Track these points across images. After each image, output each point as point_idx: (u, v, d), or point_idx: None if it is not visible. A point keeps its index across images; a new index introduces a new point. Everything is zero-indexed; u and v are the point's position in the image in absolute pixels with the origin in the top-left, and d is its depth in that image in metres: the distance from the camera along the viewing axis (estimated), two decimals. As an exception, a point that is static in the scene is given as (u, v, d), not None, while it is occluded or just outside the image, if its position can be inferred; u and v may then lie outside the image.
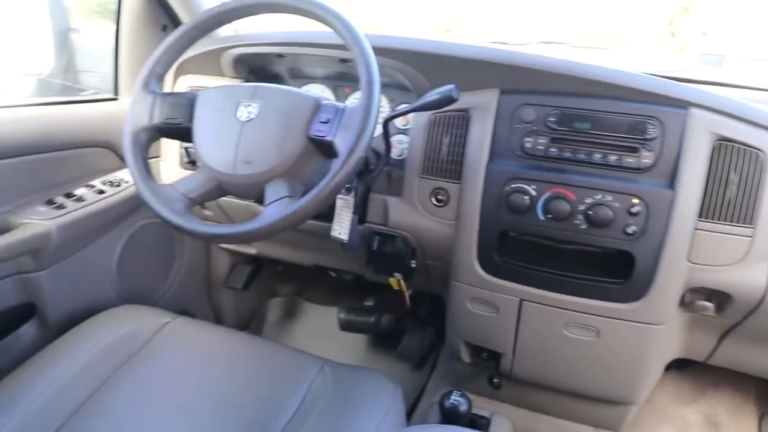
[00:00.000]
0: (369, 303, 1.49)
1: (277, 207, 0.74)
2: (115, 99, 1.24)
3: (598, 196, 0.84)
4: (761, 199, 0.80)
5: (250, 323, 1.64)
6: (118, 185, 1.14)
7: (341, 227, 0.89)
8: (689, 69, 1.33)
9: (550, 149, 0.88)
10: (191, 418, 0.77)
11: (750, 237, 0.81)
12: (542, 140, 0.88)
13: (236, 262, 1.50)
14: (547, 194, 0.87)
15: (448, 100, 0.83)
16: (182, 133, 0.84)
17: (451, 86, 0.83)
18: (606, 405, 1.08)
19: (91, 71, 1.52)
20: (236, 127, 0.79)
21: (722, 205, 0.81)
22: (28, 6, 1.28)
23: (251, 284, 1.50)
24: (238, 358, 0.89)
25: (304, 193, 0.74)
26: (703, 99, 0.84)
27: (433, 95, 0.84)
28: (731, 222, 0.81)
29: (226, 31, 1.24)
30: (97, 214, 1.06)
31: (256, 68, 1.14)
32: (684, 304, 0.91)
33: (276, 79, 1.15)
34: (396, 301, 1.24)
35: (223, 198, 1.12)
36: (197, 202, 0.82)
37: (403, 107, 0.89)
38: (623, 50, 1.56)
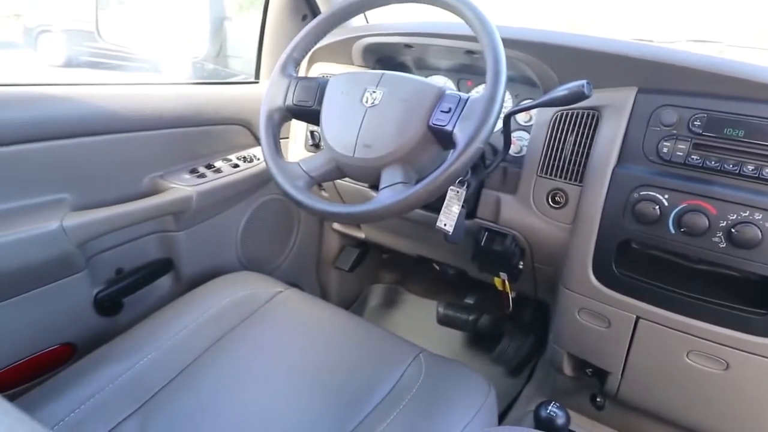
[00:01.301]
0: (469, 301, 1.47)
1: (390, 192, 0.76)
2: (256, 82, 1.35)
3: (745, 213, 0.75)
4: None
5: (352, 305, 1.70)
6: (251, 161, 1.24)
7: (448, 219, 0.88)
8: None
9: (691, 156, 0.80)
10: (288, 384, 0.82)
11: None
12: (682, 146, 0.80)
13: (345, 245, 1.57)
14: (681, 205, 0.79)
15: (579, 96, 0.79)
16: (311, 115, 0.89)
17: (582, 81, 0.78)
18: (729, 448, 0.96)
19: (237, 56, 1.67)
20: (360, 111, 0.82)
21: None
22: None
23: (357, 267, 1.56)
24: (340, 335, 0.93)
25: (418, 181, 0.75)
26: None
27: (561, 90, 0.80)
28: None
29: (357, 21, 1.29)
30: (230, 185, 1.17)
31: (384, 58, 1.17)
32: (844, 349, 0.78)
33: (402, 68, 1.17)
34: (497, 303, 1.21)
35: (340, 181, 1.19)
36: (318, 181, 0.87)
37: (527, 102, 0.86)
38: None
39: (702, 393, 0.87)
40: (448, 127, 0.75)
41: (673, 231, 0.80)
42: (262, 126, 0.90)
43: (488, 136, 0.72)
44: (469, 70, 1.11)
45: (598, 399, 1.02)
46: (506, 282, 1.09)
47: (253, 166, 1.23)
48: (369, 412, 0.77)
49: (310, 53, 1.22)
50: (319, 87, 0.89)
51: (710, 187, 0.77)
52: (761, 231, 0.74)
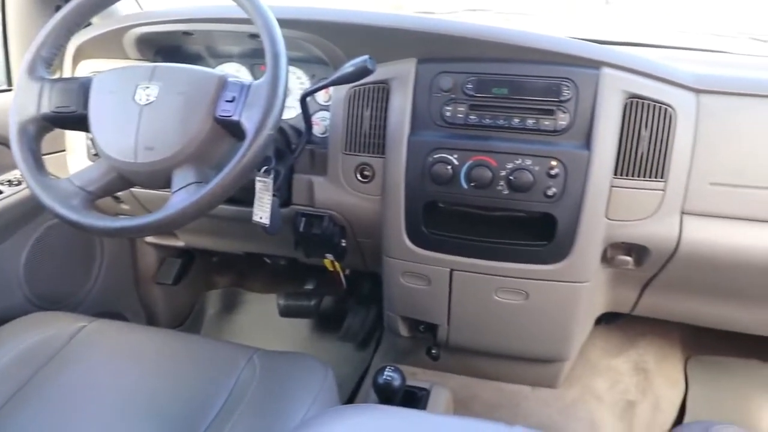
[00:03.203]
0: (309, 287, 1.47)
1: (183, 194, 0.70)
2: (9, 90, 1.13)
3: (518, 161, 0.85)
4: (671, 153, 0.83)
5: (186, 319, 1.57)
6: (18, 184, 1.04)
7: (262, 211, 0.85)
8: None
9: (470, 117, 0.87)
10: (110, 426, 0.73)
11: (662, 190, 0.84)
12: (461, 108, 0.87)
13: (165, 257, 1.43)
14: (468, 162, 0.86)
15: (363, 71, 0.81)
16: (77, 121, 0.78)
17: (365, 57, 0.80)
18: (541, 363, 1.11)
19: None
20: (135, 111, 0.74)
21: (635, 161, 0.84)
22: None
23: (183, 278, 1.44)
24: (162, 357, 0.85)
25: None
26: (613, 58, 0.85)
27: (347, 68, 0.81)
28: (644, 177, 0.84)
29: (128, 8, 1.15)
30: None
31: (165, 48, 1.07)
32: (606, 259, 0.94)
33: (193, 59, 1.08)
34: (335, 283, 1.22)
35: (138, 189, 1.07)
36: (98, 196, 0.77)
37: (321, 83, 0.86)
38: (547, 16, 1.57)
39: (511, 323, 1.00)
40: (235, 117, 0.72)
41: (465, 186, 0.87)
42: (14, 142, 0.76)
43: (277, 122, 0.70)
44: (260, 55, 1.06)
45: (433, 351, 1.11)
46: (334, 262, 1.10)
47: (23, 189, 1.03)
48: (205, 430, 0.72)
49: (73, 49, 1.07)
50: (82, 88, 0.78)
51: (488, 143, 0.86)
52: (533, 175, 0.84)
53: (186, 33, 1.00)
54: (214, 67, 1.07)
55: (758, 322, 1.05)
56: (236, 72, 1.07)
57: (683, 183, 0.84)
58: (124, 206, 1.17)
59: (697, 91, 0.83)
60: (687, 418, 1.23)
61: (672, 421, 1.24)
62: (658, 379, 1.27)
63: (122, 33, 1.02)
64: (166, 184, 0.74)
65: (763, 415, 1.24)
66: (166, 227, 0.70)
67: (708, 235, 0.86)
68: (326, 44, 0.93)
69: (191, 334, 0.93)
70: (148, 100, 0.74)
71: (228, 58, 1.08)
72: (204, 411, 0.75)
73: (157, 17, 1.00)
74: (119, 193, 1.06)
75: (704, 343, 1.32)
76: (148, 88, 0.75)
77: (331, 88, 0.95)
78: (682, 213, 0.85)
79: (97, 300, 1.27)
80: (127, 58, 1.06)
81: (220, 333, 1.53)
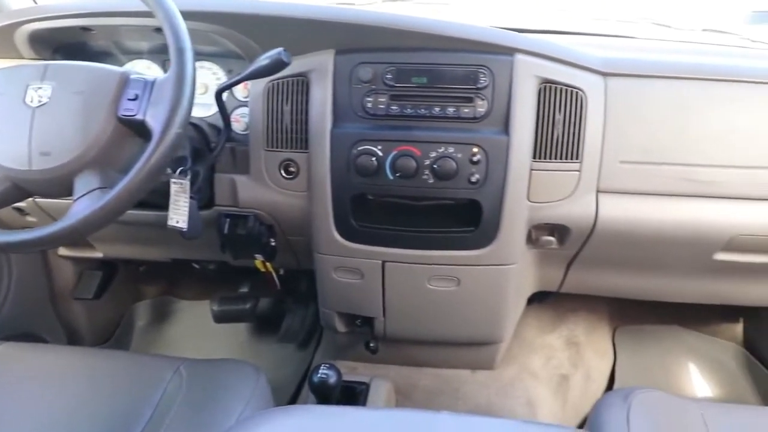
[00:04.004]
0: (243, 289, 1.42)
1: (86, 201, 0.66)
2: None
3: (441, 149, 0.85)
4: (584, 135, 0.86)
5: (112, 335, 1.47)
6: None
7: (178, 215, 0.81)
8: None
9: (392, 107, 0.87)
10: None
11: (578, 171, 0.87)
12: (382, 99, 0.87)
13: (83, 270, 1.34)
14: (393, 153, 0.86)
15: (278, 64, 0.79)
16: None
17: (279, 49, 0.78)
18: (478, 347, 1.13)
19: None
20: (26, 114, 0.69)
21: (552, 144, 0.86)
22: None
23: (105, 292, 1.35)
24: (80, 378, 0.79)
25: None
26: (526, 44, 0.87)
27: (261, 61, 0.79)
28: (561, 159, 0.87)
29: (20, 2, 1.06)
30: None
31: (67, 46, 0.99)
32: (531, 241, 0.97)
33: (100, 56, 1.01)
34: (270, 283, 1.19)
35: (45, 200, 0.99)
36: (-11, 208, 0.70)
37: (234, 78, 0.83)
38: (465, 5, 1.59)
39: (445, 310, 1.01)
40: (139, 116, 0.68)
41: (391, 177, 0.87)
42: None
43: (185, 119, 0.67)
44: None
45: (371, 344, 1.10)
46: (265, 262, 1.07)
47: None
48: None
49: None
50: None
51: (411, 132, 0.86)
52: (456, 162, 0.85)
53: (85, 29, 0.94)
54: (123, 64, 1.01)
55: (676, 290, 1.12)
56: (147, 69, 1.01)
57: (596, 163, 0.87)
58: (30, 218, 1.08)
59: (605, 75, 0.87)
60: (616, 386, 1.30)
61: (603, 390, 1.30)
62: (588, 351, 1.33)
63: (13, 30, 0.94)
64: (68, 191, 0.69)
65: (684, 376, 1.33)
66: (68, 238, 0.65)
67: (622, 211, 0.90)
68: (239, 37, 0.89)
69: (114, 350, 0.87)
70: (40, 101, 0.69)
71: (138, 54, 1.02)
72: (127, 428, 0.71)
73: (51, 12, 0.92)
74: (22, 205, 0.98)
75: (629, 314, 1.40)
76: (40, 88, 0.70)
77: (249, 84, 0.92)
78: (598, 192, 0.89)
79: (8, 321, 1.17)
80: (22, 57, 0.97)
81: (150, 346, 1.45)
